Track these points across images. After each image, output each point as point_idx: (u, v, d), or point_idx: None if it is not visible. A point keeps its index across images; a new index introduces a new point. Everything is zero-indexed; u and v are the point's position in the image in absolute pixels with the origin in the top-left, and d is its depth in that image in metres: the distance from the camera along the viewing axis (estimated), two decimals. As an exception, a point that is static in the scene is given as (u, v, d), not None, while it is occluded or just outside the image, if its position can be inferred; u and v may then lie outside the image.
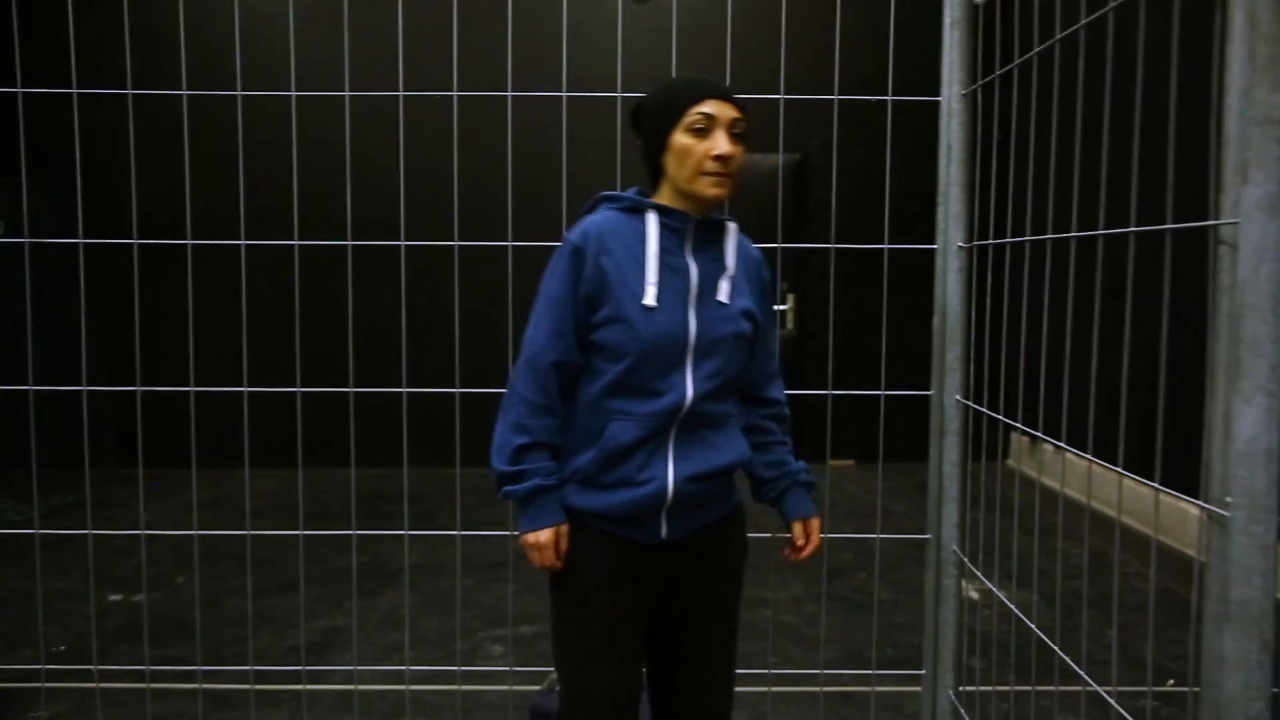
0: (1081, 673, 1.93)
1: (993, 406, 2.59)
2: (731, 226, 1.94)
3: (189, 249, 2.51)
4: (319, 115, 5.86)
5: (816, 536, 2.10)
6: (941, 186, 2.44)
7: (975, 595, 4.27)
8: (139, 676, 3.43)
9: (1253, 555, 1.31)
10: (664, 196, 1.91)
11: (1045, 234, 2.25)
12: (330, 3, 6.45)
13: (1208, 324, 1.34)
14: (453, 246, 2.49)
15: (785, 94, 2.50)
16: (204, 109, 6.06)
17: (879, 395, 2.60)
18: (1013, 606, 2.26)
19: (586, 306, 1.84)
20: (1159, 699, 3.34)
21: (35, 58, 6.26)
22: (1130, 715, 1.71)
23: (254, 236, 5.86)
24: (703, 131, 1.81)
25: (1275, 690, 1.41)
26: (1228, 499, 1.33)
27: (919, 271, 2.54)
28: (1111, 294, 2.36)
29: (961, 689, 2.55)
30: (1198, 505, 1.41)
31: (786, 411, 2.14)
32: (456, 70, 2.45)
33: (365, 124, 5.74)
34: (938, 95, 2.47)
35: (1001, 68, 2.29)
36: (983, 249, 2.45)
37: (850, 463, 7.08)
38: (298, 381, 2.71)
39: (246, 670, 3.12)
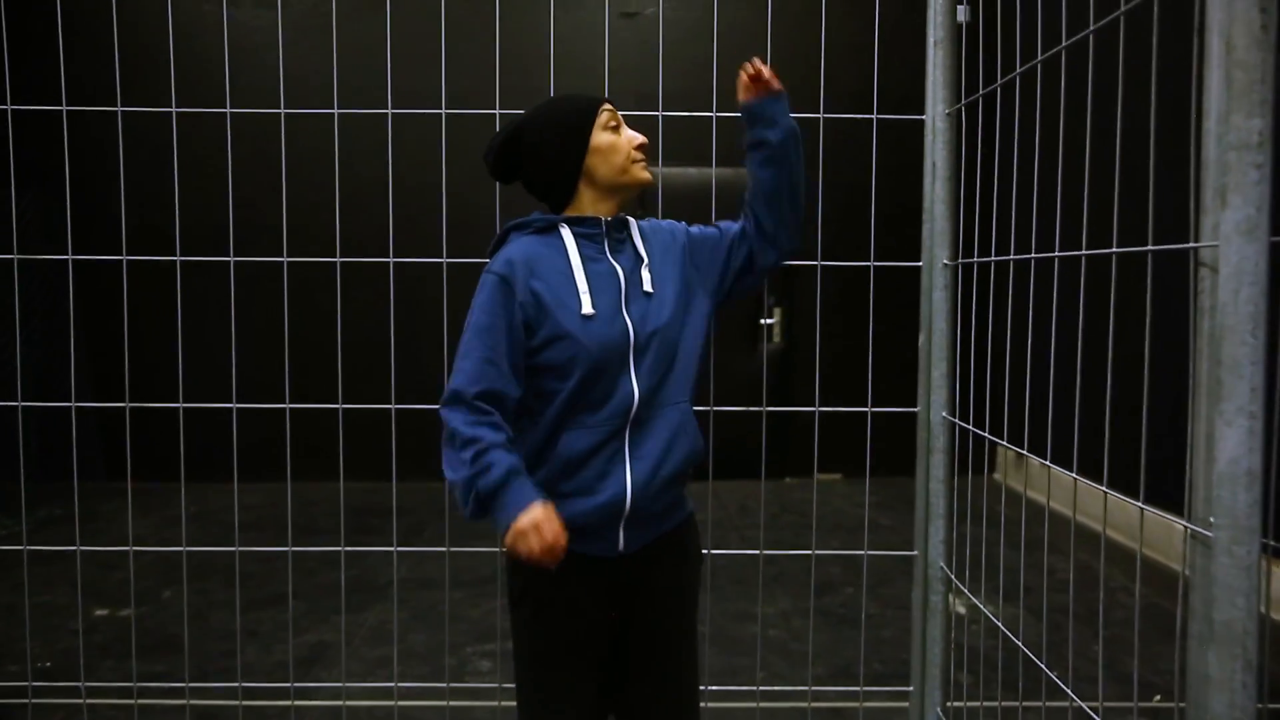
0: (1067, 690, 1.93)
1: (979, 423, 2.60)
2: (630, 219, 1.99)
3: (178, 264, 2.51)
4: (308, 128, 5.86)
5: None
6: (926, 204, 2.45)
7: (962, 610, 4.28)
8: (126, 693, 3.40)
9: (1236, 576, 1.32)
10: (579, 208, 1.93)
11: (1030, 251, 2.26)
12: (317, 16, 6.47)
13: (1189, 344, 1.35)
14: (440, 263, 2.50)
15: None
16: (193, 121, 6.04)
17: (866, 411, 2.60)
18: (999, 623, 2.26)
19: (526, 331, 1.83)
20: (1145, 715, 3.35)
21: (22, 73, 6.24)
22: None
23: (244, 250, 5.85)
24: (615, 127, 1.91)
25: (1262, 706, 1.41)
26: (1211, 519, 1.33)
27: (908, 286, 2.55)
28: (1096, 311, 2.37)
29: (949, 705, 2.56)
30: (1182, 524, 1.42)
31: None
32: (445, 87, 2.46)
33: (354, 137, 5.72)
34: (921, 112, 2.49)
35: (985, 87, 2.30)
36: (968, 265, 2.46)
37: (838, 476, 7.08)
38: (286, 397, 2.70)
39: (234, 686, 3.11)
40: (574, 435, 1.83)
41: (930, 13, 2.43)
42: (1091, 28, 1.99)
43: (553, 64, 2.64)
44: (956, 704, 2.90)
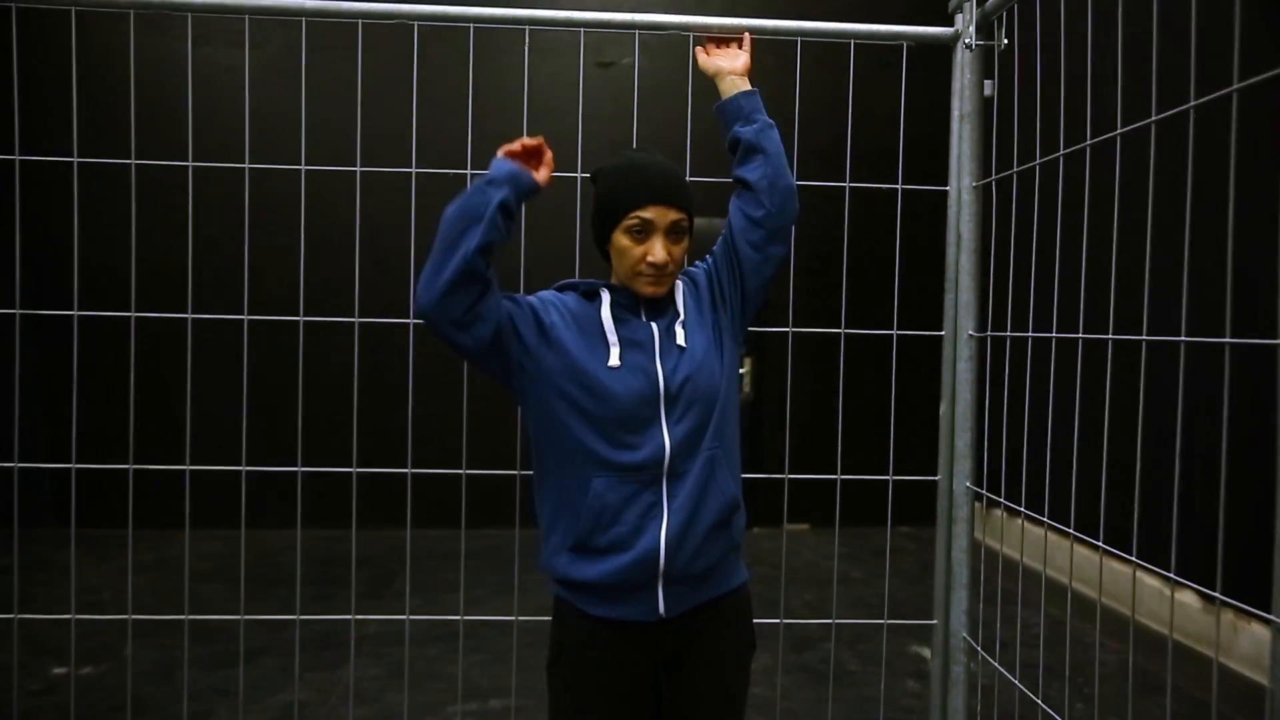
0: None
1: (993, 492, 2.63)
2: (678, 283, 1.98)
3: (132, 320, 2.44)
4: (275, 177, 5.72)
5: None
6: (950, 274, 2.45)
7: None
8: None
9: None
10: (617, 276, 1.95)
11: (1054, 321, 2.26)
12: (288, 58, 6.37)
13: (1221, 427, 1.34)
14: (406, 324, 2.44)
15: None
16: (154, 166, 5.87)
17: (888, 480, 2.58)
18: (1036, 698, 2.24)
19: (514, 337, 1.84)
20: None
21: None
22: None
23: (207, 297, 5.69)
24: (640, 234, 1.86)
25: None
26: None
27: (878, 348, 2.52)
28: (1124, 389, 2.38)
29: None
30: (1266, 620, 1.40)
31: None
32: (415, 139, 2.44)
33: (325, 182, 5.61)
34: (941, 175, 2.49)
35: (1007, 161, 2.30)
36: (985, 326, 2.46)
37: (805, 526, 7.07)
38: (243, 459, 2.60)
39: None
40: (606, 483, 1.81)
41: (955, 85, 2.44)
42: (1119, 130, 2.01)
43: (526, 113, 2.60)
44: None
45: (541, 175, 1.90)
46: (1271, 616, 1.41)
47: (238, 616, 2.66)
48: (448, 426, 4.66)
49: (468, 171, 2.46)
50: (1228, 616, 4.12)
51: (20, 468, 2.48)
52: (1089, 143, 2.03)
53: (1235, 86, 1.54)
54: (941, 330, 2.48)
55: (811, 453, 4.30)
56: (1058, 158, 2.14)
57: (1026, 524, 2.41)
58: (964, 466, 2.43)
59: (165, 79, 6.23)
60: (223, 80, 6.33)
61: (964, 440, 2.43)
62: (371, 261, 5.11)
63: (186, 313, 2.56)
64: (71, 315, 2.50)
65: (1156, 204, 1.91)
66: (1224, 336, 1.60)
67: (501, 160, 1.86)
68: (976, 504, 2.50)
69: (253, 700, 3.88)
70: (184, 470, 2.55)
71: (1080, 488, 2.14)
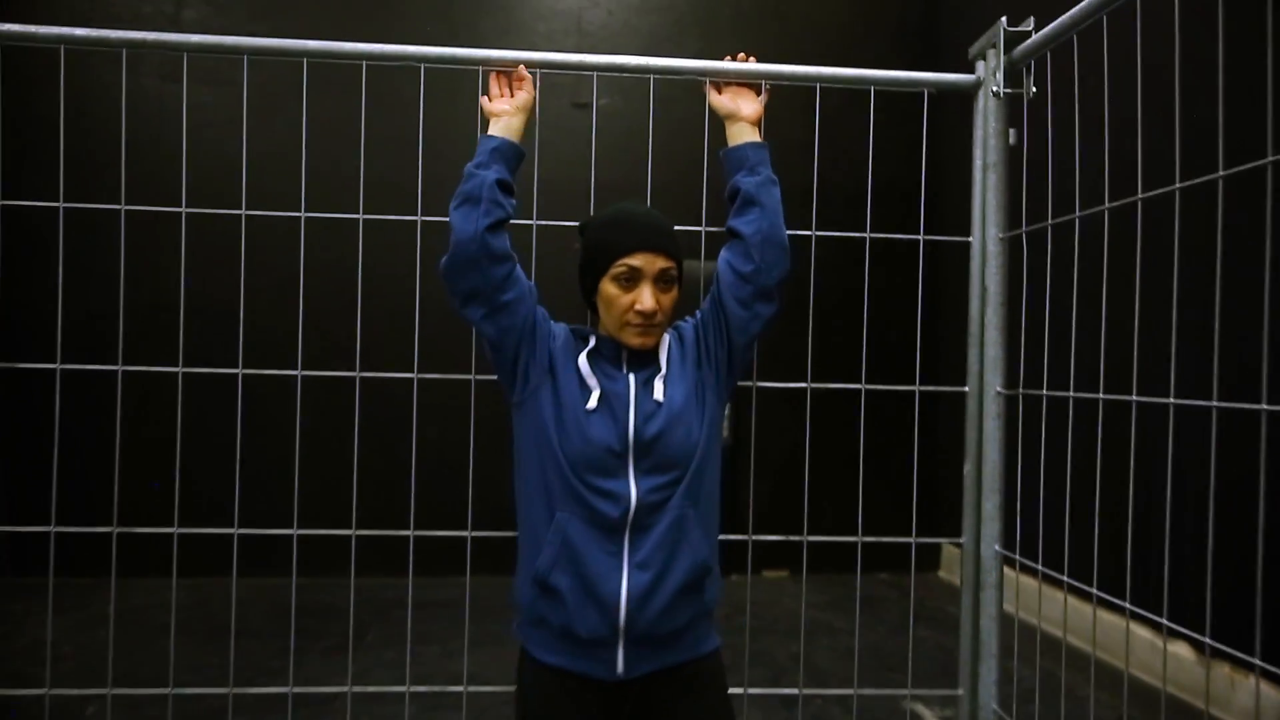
0: None
1: (1013, 553, 2.55)
2: (665, 337, 1.94)
3: (119, 374, 2.27)
4: (271, 225, 5.53)
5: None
6: (974, 328, 2.33)
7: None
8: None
9: None
10: (605, 326, 1.93)
11: (1081, 376, 2.15)
12: (286, 96, 6.17)
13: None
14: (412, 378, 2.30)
15: (818, 230, 2.37)
16: (146, 201, 5.64)
17: (910, 541, 2.45)
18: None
19: (514, 341, 1.88)
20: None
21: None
22: None
23: (193, 348, 5.47)
24: (628, 282, 1.83)
25: None
26: None
27: (853, 402, 2.41)
28: (1152, 452, 2.28)
29: None
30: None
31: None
32: (421, 194, 2.30)
33: (319, 234, 5.42)
34: (938, 223, 2.38)
35: (1050, 215, 2.20)
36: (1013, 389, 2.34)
37: (785, 573, 6.92)
38: (235, 520, 2.44)
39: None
40: (569, 521, 1.79)
41: (978, 134, 2.33)
42: (1140, 195, 1.92)
43: (535, 192, 2.48)
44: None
45: (520, 99, 2.07)
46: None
47: (226, 690, 2.46)
48: (440, 481, 4.48)
49: (417, 218, 2.31)
50: None
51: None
52: (1106, 206, 1.94)
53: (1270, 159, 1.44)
54: (964, 386, 2.36)
55: (788, 504, 4.17)
56: (1096, 212, 2.03)
57: (1044, 585, 2.28)
58: (992, 529, 2.29)
59: (152, 118, 6.02)
60: (195, 119, 6.14)
61: (992, 502, 2.30)
62: (374, 311, 4.93)
63: (177, 365, 2.38)
64: (54, 369, 2.32)
65: (1189, 264, 1.81)
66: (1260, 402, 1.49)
67: (485, 138, 1.97)
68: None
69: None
70: (171, 533, 2.38)
71: (1100, 547, 2.02)
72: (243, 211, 2.43)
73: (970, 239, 2.35)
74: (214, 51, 2.19)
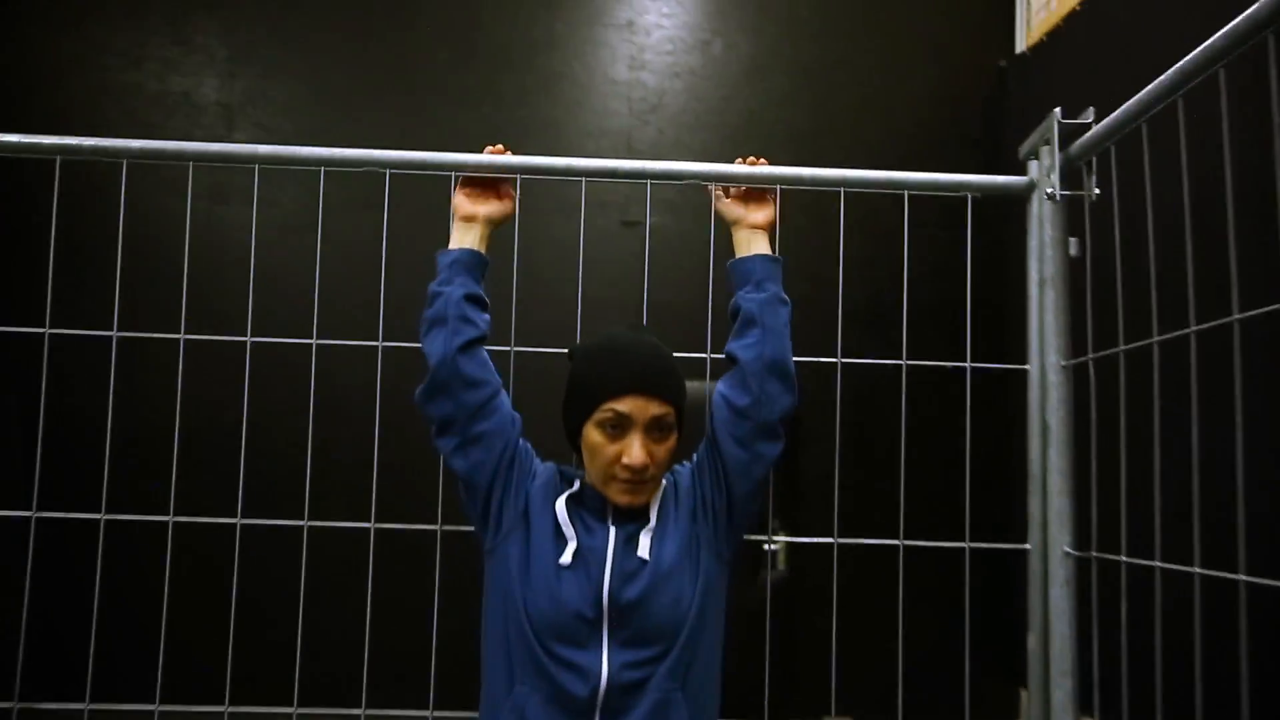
0: None
1: None
2: (654, 505, 1.66)
3: (101, 523, 1.96)
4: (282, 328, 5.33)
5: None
6: (1034, 470, 1.91)
7: None
8: None
9: None
10: (589, 473, 1.68)
11: (1168, 535, 1.71)
12: (303, 214, 6.06)
13: None
14: (435, 531, 1.93)
15: (842, 357, 2.01)
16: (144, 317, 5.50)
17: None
18: None
19: (489, 473, 1.65)
20: None
21: None
22: None
23: (185, 483, 5.23)
24: (615, 430, 1.58)
25: None
26: None
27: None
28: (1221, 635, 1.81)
29: None
30: None
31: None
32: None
33: (330, 360, 5.18)
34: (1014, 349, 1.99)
35: (1124, 341, 1.79)
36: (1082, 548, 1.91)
37: None
38: (227, 696, 2.12)
39: None
40: (528, 696, 1.52)
41: (1032, 244, 1.96)
42: (1236, 315, 1.53)
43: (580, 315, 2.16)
44: None
45: (491, 209, 1.83)
46: None
47: None
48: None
49: (510, 349, 1.97)
50: None
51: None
52: (1192, 329, 1.53)
53: None
54: (1025, 544, 1.93)
55: (854, 635, 3.65)
56: (1180, 336, 1.62)
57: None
58: (1065, 689, 1.83)
59: (181, 238, 5.94)
60: (239, 239, 6.03)
61: (1063, 690, 1.83)
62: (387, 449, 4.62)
63: (168, 515, 2.05)
64: (29, 516, 2.03)
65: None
66: None
67: (441, 253, 1.76)
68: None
69: None
70: (153, 711, 2.07)
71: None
72: (247, 339, 2.15)
73: (1027, 366, 1.96)
74: (225, 161, 1.94)
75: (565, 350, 1.78)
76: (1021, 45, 5.70)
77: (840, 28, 5.81)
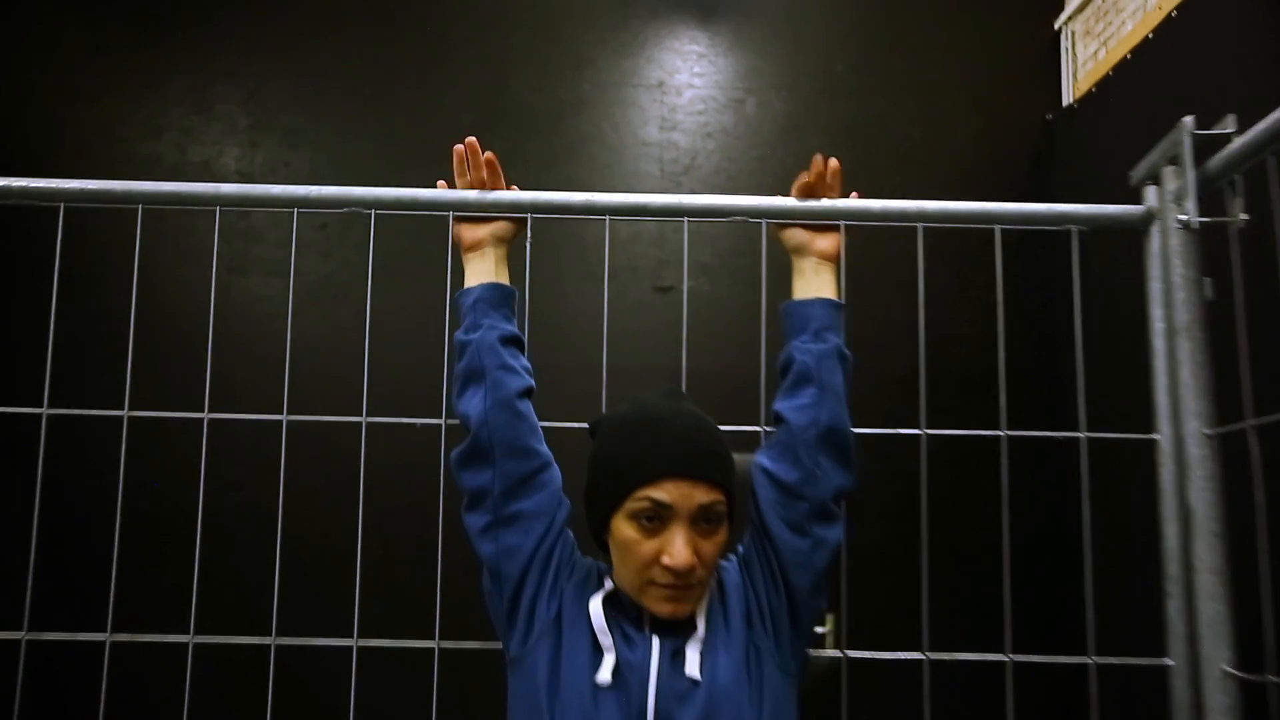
0: None
1: None
2: (701, 614, 1.31)
3: (107, 645, 1.59)
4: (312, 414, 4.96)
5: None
6: (1172, 570, 1.50)
7: None
8: None
9: None
10: (617, 575, 1.34)
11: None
12: (327, 286, 5.77)
13: None
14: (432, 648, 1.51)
15: (926, 428, 1.62)
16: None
17: None
18: None
19: (524, 565, 1.34)
20: None
21: None
22: None
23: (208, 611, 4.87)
24: (653, 522, 1.24)
25: None
26: None
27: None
28: None
29: None
30: None
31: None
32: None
33: (350, 437, 4.81)
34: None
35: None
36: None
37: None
38: None
39: None
40: None
41: (1154, 287, 1.57)
42: None
43: (575, 338, 1.80)
44: None
45: (497, 225, 1.54)
46: None
47: None
48: None
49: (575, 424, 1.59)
50: None
51: None
52: None
53: None
54: (1166, 658, 1.51)
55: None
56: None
57: None
58: None
59: (197, 310, 5.68)
60: (259, 311, 5.75)
61: None
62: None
63: (188, 634, 1.66)
64: (19, 638, 1.64)
65: None
66: None
67: (461, 293, 1.49)
68: None
69: None
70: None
71: None
72: (284, 417, 1.77)
73: (1156, 436, 1.56)
74: (257, 205, 1.60)
75: (587, 425, 1.42)
76: (1069, 97, 5.37)
77: (879, 84, 5.50)
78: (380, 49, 5.39)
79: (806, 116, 5.55)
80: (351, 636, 1.57)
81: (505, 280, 1.51)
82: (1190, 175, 1.46)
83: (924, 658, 1.57)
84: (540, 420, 1.55)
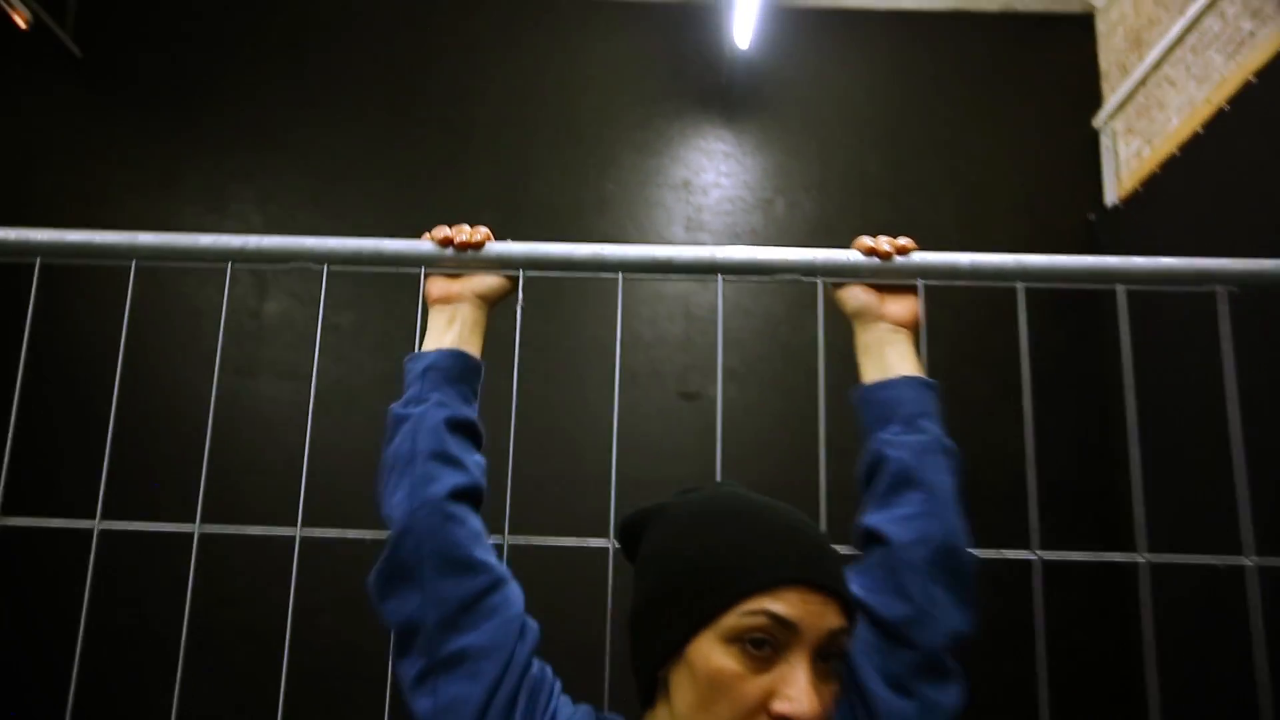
0: None
1: None
2: None
3: None
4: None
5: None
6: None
7: None
8: None
9: None
10: None
11: None
12: (340, 391, 5.44)
13: None
14: None
15: (1039, 550, 1.21)
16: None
17: None
18: None
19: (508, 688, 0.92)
20: None
21: None
22: None
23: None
24: (764, 649, 0.82)
25: None
26: None
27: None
28: None
29: None
30: None
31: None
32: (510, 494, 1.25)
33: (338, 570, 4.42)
34: None
35: None
36: None
37: None
38: None
39: None
40: None
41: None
42: None
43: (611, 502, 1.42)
44: None
45: (476, 281, 1.17)
46: None
47: None
48: None
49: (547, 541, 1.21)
50: None
51: None
52: None
53: None
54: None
55: None
56: None
57: None
58: None
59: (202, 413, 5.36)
60: (269, 414, 5.42)
61: None
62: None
63: None
64: None
65: None
66: None
67: (411, 357, 1.11)
68: None
69: None
70: None
71: None
72: (297, 531, 1.38)
73: (1245, 561, 1.14)
74: (279, 260, 1.25)
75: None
76: (1112, 196, 5.07)
77: (914, 183, 5.23)
78: (400, 148, 5.19)
79: (838, 218, 5.26)
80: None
81: (474, 352, 1.14)
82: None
83: None
84: (557, 536, 1.16)
